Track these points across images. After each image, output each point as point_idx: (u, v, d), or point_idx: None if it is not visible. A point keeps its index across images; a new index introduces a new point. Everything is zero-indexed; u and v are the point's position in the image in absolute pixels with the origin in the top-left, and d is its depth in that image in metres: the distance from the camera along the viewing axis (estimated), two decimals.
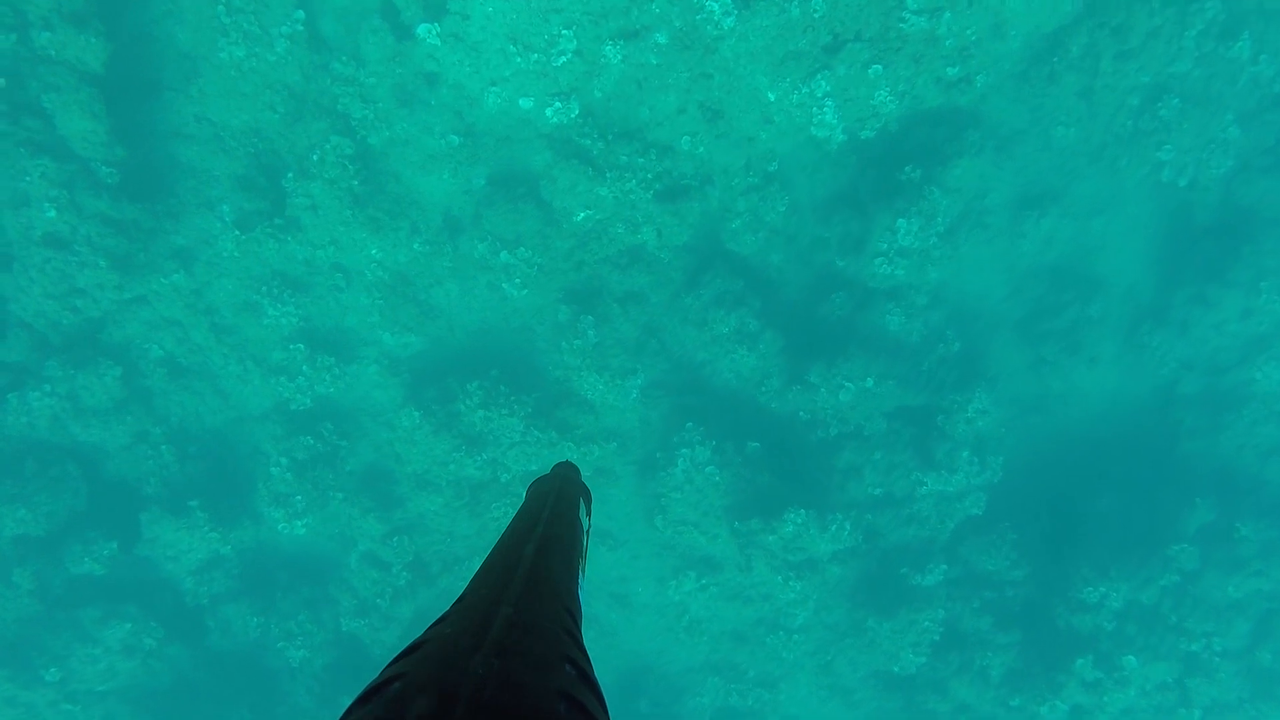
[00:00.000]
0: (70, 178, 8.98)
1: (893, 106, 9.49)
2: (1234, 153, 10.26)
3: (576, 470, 3.26)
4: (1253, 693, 11.12)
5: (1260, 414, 10.97)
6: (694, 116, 9.56)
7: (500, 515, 10.76)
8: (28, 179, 8.85)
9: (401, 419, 10.38)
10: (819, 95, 9.28)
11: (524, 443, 10.30)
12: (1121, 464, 11.49)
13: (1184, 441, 11.36)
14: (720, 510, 10.45)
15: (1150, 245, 11.02)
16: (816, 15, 8.85)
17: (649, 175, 9.54)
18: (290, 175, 9.62)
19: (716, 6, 8.70)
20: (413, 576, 11.07)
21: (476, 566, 2.02)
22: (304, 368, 10.32)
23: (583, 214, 9.65)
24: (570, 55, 8.97)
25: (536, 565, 1.91)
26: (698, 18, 8.83)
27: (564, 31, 8.84)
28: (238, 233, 9.75)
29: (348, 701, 1.42)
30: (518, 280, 9.98)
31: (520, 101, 9.32)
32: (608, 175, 9.46)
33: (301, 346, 10.28)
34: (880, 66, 9.14)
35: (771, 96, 9.39)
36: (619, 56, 9.01)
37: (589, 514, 2.90)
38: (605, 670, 11.42)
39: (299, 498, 10.56)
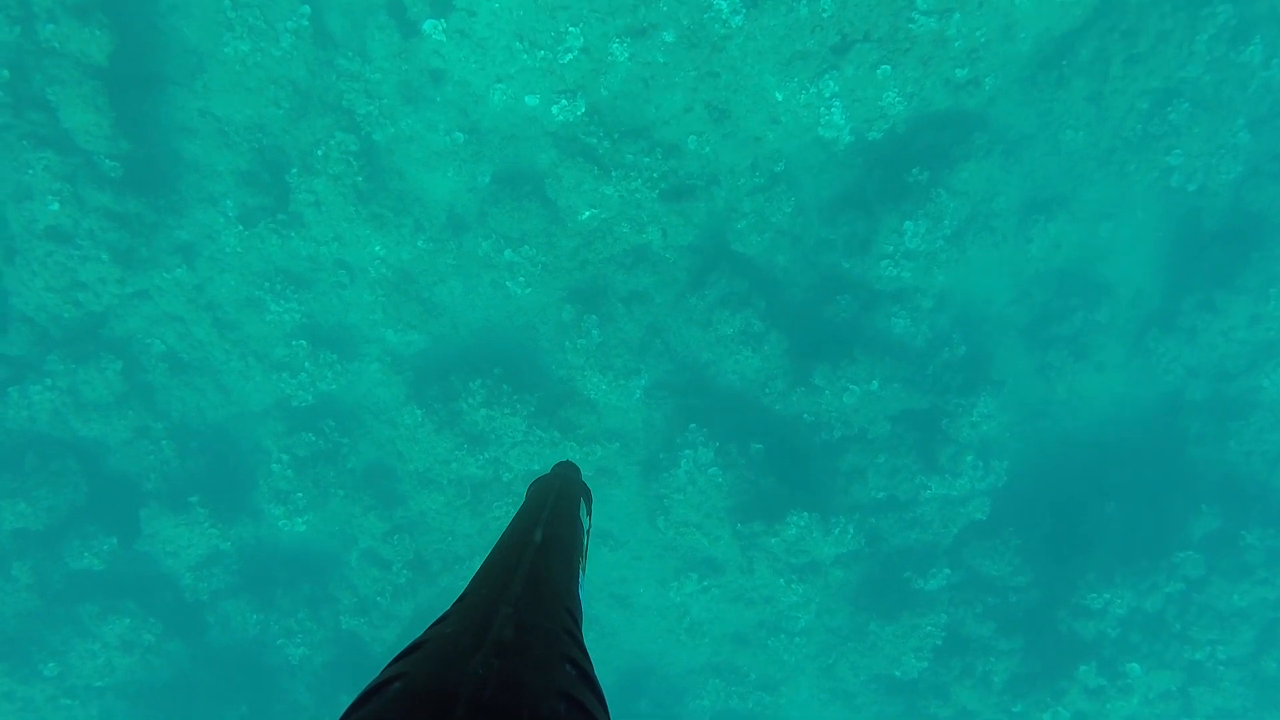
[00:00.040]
0: (73, 171, 8.95)
1: (900, 108, 9.44)
2: (1244, 158, 10.19)
3: (577, 470, 3.23)
4: (1257, 701, 11.04)
5: (1267, 421, 10.89)
6: (700, 116, 9.51)
7: (502, 514, 10.72)
8: (31, 172, 8.82)
9: (404, 417, 10.34)
10: (826, 95, 9.23)
11: (526, 442, 10.25)
12: (1127, 470, 11.42)
13: (1190, 448, 11.29)
14: (723, 512, 10.39)
15: (1158, 251, 10.95)
16: (825, 15, 8.80)
17: (655, 174, 9.49)
18: (294, 171, 9.59)
19: (725, 5, 8.65)
20: (413, 575, 11.04)
21: (477, 565, 2.01)
22: (306, 364, 10.28)
23: (588, 213, 9.60)
24: (577, 52, 8.93)
25: (537, 565, 1.90)
26: (705, 16, 8.78)
27: (571, 28, 8.80)
28: (241, 228, 9.72)
29: (347, 700, 1.38)
30: (522, 279, 9.94)
31: (526, 99, 9.28)
32: (613, 174, 9.42)
33: (304, 343, 10.24)
34: (889, 67, 9.09)
35: (779, 96, 9.33)
36: (626, 54, 8.97)
37: (589, 514, 2.88)
38: (606, 671, 11.38)
39: (300, 494, 10.52)
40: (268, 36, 9.09)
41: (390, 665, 1.44)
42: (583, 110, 9.28)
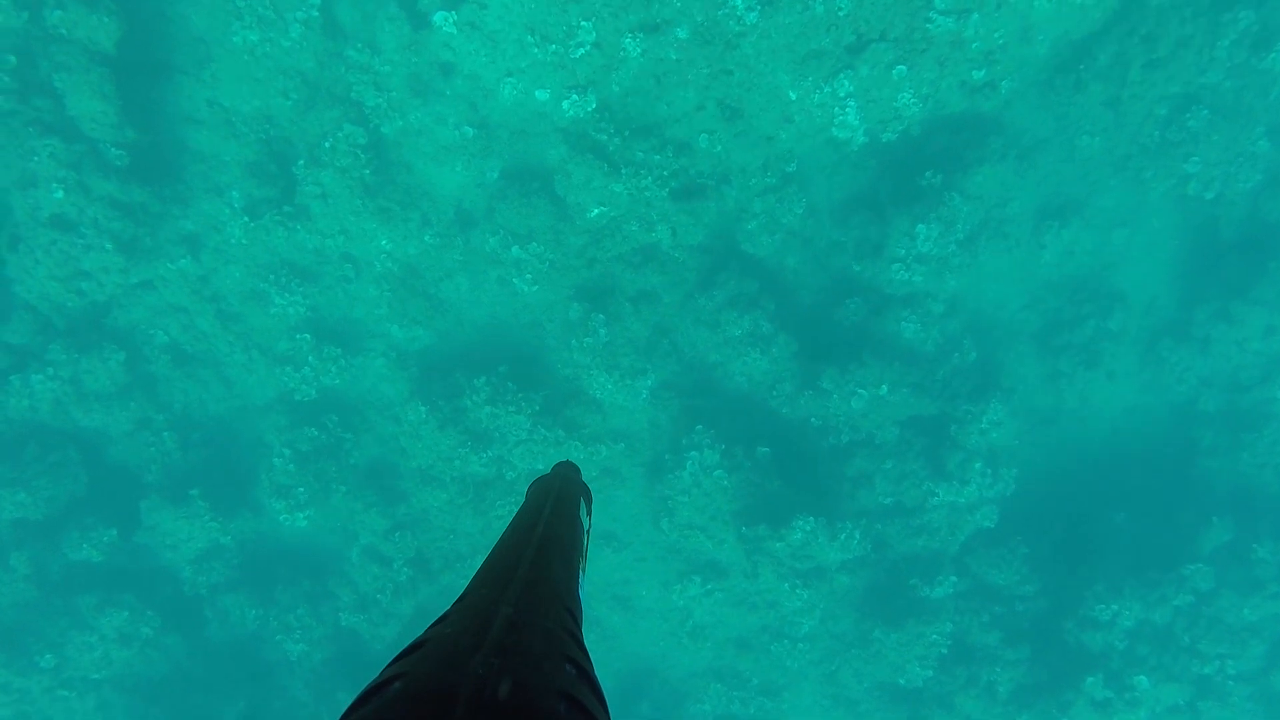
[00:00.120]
0: (79, 159, 8.88)
1: (916, 109, 9.33)
2: (1263, 167, 10.05)
3: (577, 470, 3.28)
4: (1266, 717, 10.91)
5: None
6: (712, 114, 9.41)
7: (504, 513, 10.63)
8: (36, 159, 8.75)
9: (407, 413, 10.26)
10: (841, 95, 9.12)
11: (530, 441, 10.16)
12: (1137, 480, 11.30)
13: (1202, 459, 11.16)
14: (728, 515, 10.29)
15: (1173, 259, 10.82)
16: (841, 13, 8.69)
17: (665, 173, 9.38)
18: (301, 163, 9.51)
19: (740, 2, 8.54)
20: (414, 573, 10.95)
21: (479, 564, 2.02)
22: (310, 358, 10.21)
23: (596, 210, 9.50)
24: (589, 47, 8.84)
25: (537, 565, 1.92)
26: (720, 12, 8.68)
27: (583, 23, 8.70)
28: (246, 219, 9.65)
29: (345, 697, 1.30)
30: (529, 276, 9.85)
31: (536, 93, 9.19)
32: (623, 171, 9.32)
33: (308, 337, 10.17)
34: (904, 68, 8.97)
35: (792, 95, 9.22)
36: (638, 50, 8.87)
37: (589, 514, 2.91)
38: (607, 672, 11.29)
39: (301, 490, 10.45)
40: (277, 26, 9.02)
41: (390, 665, 1.44)
42: (593, 106, 9.19)
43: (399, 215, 9.71)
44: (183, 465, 10.60)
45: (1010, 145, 9.84)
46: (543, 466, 10.17)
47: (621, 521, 11.11)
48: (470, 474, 10.48)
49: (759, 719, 11.87)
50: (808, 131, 9.55)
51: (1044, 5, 8.98)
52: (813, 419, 10.43)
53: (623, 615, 11.70)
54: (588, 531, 2.77)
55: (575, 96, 9.10)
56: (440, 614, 1.66)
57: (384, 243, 9.86)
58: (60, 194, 8.88)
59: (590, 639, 1.98)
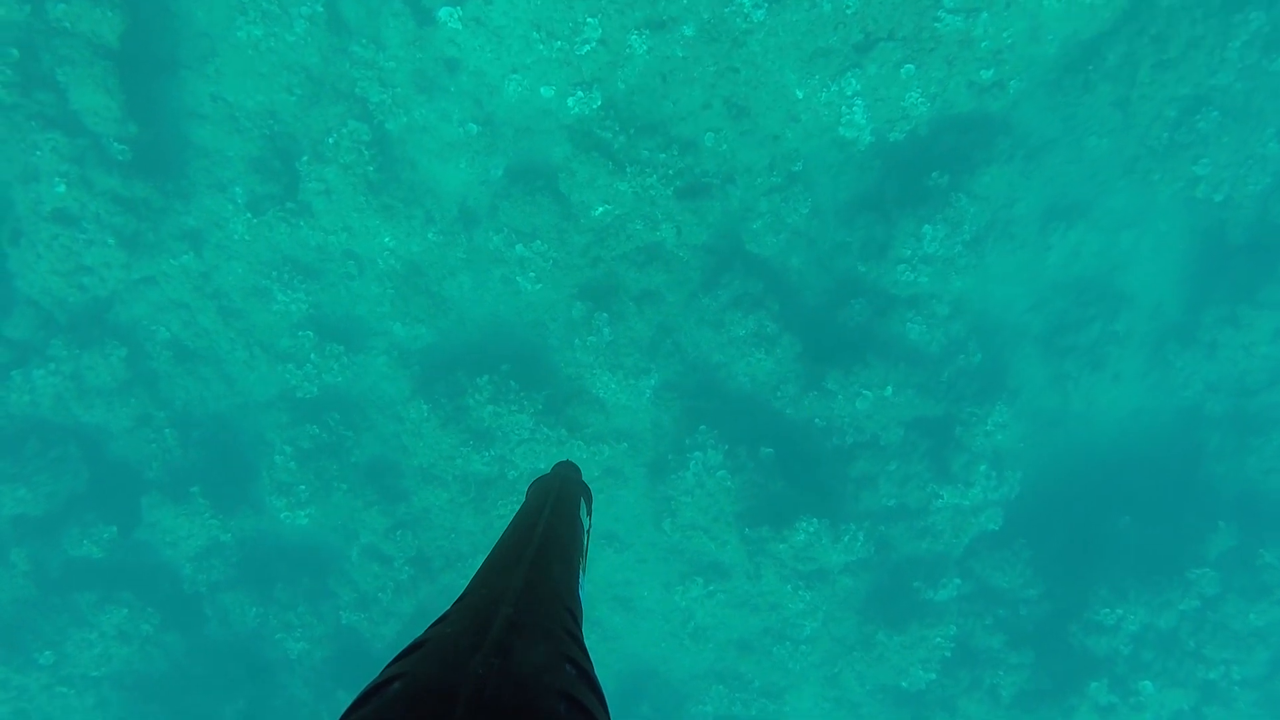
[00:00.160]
0: (81, 153, 8.85)
1: (923, 109, 9.27)
2: (1273, 169, 9.97)
3: (577, 469, 3.31)
4: None
5: None
6: (718, 112, 9.35)
7: (506, 513, 10.59)
8: (38, 153, 8.73)
9: (409, 411, 10.22)
10: (848, 94, 9.07)
11: (533, 440, 10.12)
12: (1143, 484, 11.22)
13: (1208, 463, 11.08)
14: (730, 516, 10.24)
15: (1181, 262, 10.75)
16: (849, 12, 8.64)
17: (670, 171, 9.33)
18: (305, 159, 9.47)
19: None
20: (415, 571, 10.91)
21: (480, 563, 2.02)
22: (312, 356, 10.17)
23: (601, 209, 9.46)
24: (594, 44, 8.79)
25: (537, 565, 1.93)
26: (726, 10, 8.63)
27: (589, 19, 8.66)
28: (249, 215, 9.62)
29: (345, 695, 1.26)
30: (532, 274, 9.80)
31: (541, 90, 9.14)
32: (628, 170, 9.27)
33: (310, 334, 10.13)
34: (912, 66, 8.92)
35: (799, 94, 9.17)
36: (644, 47, 8.82)
37: (589, 514, 2.93)
38: (607, 673, 11.24)
39: (302, 487, 10.41)
40: (281, 21, 8.99)
41: (390, 665, 1.45)
42: (599, 103, 9.14)
43: (402, 212, 9.67)
44: (183, 462, 10.57)
45: (1018, 146, 9.78)
46: (545, 466, 10.13)
47: (624, 522, 11.06)
48: (472, 473, 10.43)
49: None
50: (814, 130, 9.50)
51: (1053, 4, 8.92)
52: (817, 420, 10.38)
53: (624, 616, 11.65)
54: (588, 531, 2.78)
55: (580, 94, 9.05)
56: (441, 613, 1.66)
57: (387, 240, 9.82)
58: (62, 188, 8.85)
59: (591, 639, 1.96)
